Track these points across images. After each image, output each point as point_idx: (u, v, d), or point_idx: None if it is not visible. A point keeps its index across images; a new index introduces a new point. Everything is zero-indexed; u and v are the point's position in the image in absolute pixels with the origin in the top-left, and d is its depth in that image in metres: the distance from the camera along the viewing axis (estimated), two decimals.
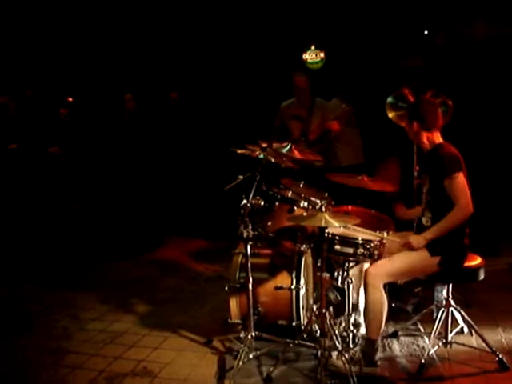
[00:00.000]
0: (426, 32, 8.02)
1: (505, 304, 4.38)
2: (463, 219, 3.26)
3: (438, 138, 3.44)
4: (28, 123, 6.55)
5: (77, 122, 6.89)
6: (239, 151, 3.75)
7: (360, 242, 3.32)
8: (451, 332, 3.63)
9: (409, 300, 4.34)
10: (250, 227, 3.49)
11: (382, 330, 3.40)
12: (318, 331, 3.39)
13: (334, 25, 7.98)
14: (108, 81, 8.31)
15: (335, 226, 3.21)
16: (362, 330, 3.76)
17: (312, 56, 8.52)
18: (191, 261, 6.03)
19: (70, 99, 8.24)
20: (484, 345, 3.48)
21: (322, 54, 8.53)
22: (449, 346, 3.61)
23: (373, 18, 7.74)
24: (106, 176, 6.66)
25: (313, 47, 8.54)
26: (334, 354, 3.43)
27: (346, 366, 3.21)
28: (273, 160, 3.72)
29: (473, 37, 7.04)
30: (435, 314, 3.92)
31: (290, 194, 3.76)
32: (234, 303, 3.78)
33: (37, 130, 6.54)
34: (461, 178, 3.22)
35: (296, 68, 5.40)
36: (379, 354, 3.44)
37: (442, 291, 3.92)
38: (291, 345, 3.48)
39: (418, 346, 3.72)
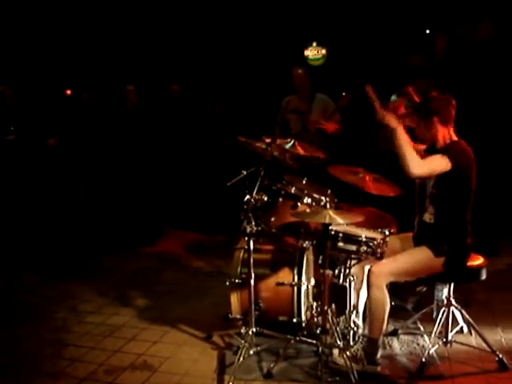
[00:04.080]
0: (427, 31, 8.01)
1: (504, 304, 4.39)
2: (405, 166, 3.12)
3: (453, 135, 3.39)
4: (26, 114, 6.50)
5: (94, 106, 6.90)
6: (244, 140, 3.74)
7: (363, 239, 3.30)
8: (451, 331, 3.63)
9: (409, 298, 4.34)
10: (253, 223, 3.48)
11: (383, 330, 3.39)
12: (319, 328, 3.38)
13: (336, 21, 7.97)
14: (110, 72, 8.27)
15: (339, 223, 3.19)
16: (361, 332, 3.77)
17: (313, 52, 8.52)
18: (191, 255, 6.01)
19: (69, 92, 8.23)
20: (484, 344, 3.49)
21: (324, 51, 8.53)
22: (449, 345, 3.61)
23: (375, 16, 7.73)
24: (104, 167, 6.63)
25: (314, 44, 8.54)
26: (335, 351, 3.42)
27: (348, 363, 3.21)
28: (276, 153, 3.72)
29: (476, 36, 7.04)
30: (435, 313, 3.93)
31: (293, 190, 3.75)
32: (234, 298, 3.77)
33: (35, 121, 6.49)
34: (444, 162, 3.16)
35: (295, 63, 5.38)
36: (380, 352, 3.43)
37: (442, 290, 3.92)
38: (292, 341, 3.48)
39: (418, 344, 3.72)
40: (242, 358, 3.37)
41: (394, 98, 4.55)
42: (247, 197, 3.48)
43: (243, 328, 3.62)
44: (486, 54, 6.71)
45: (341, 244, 3.35)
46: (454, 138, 3.39)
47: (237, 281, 3.76)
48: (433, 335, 3.51)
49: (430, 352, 3.45)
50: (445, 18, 7.25)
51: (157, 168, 6.68)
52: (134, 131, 6.52)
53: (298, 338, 3.47)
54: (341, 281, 3.57)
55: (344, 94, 4.77)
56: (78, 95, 7.44)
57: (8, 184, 5.84)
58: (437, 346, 3.51)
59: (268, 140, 3.82)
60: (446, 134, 3.38)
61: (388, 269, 3.31)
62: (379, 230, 3.59)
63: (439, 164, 3.18)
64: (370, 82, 3.28)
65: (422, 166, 3.15)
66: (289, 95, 5.48)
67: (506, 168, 6.14)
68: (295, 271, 3.73)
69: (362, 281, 3.67)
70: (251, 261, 3.52)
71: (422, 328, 3.94)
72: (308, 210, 3.55)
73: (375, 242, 3.30)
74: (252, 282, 3.53)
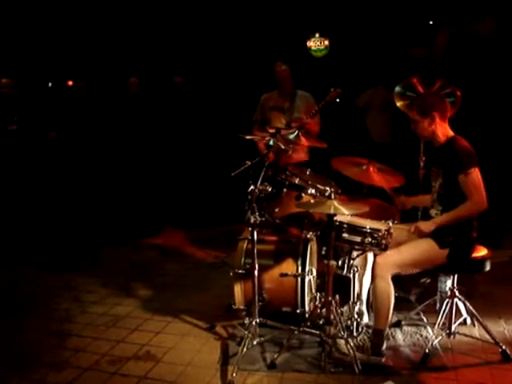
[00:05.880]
0: (431, 22, 7.98)
1: (507, 296, 4.37)
2: (474, 213, 3.24)
3: (449, 131, 3.41)
4: (29, 104, 6.48)
5: (91, 96, 6.88)
6: (248, 137, 3.72)
7: (368, 230, 3.29)
8: (455, 323, 3.63)
9: (412, 290, 4.34)
10: (257, 213, 3.46)
11: (389, 321, 3.39)
12: (323, 319, 3.37)
13: (339, 12, 7.94)
14: (113, 64, 8.25)
15: (344, 214, 3.18)
16: (365, 319, 3.77)
17: (316, 43, 8.51)
18: (193, 246, 6.01)
19: (70, 83, 8.20)
20: (487, 336, 3.48)
21: (327, 42, 8.52)
22: (452, 336, 3.60)
23: (378, 7, 7.70)
24: (106, 158, 6.62)
25: (317, 35, 8.53)
26: (340, 341, 3.42)
27: (351, 353, 3.21)
28: (283, 147, 3.69)
29: (478, 31, 7.00)
30: (438, 305, 3.94)
31: (297, 180, 3.73)
32: (238, 289, 3.77)
33: (37, 112, 6.47)
34: (476, 174, 3.18)
35: (279, 58, 5.21)
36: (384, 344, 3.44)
37: (445, 282, 3.92)
38: (295, 332, 3.47)
39: (422, 335, 3.71)
40: (245, 349, 3.37)
41: (398, 89, 4.55)
42: (251, 187, 3.46)
43: (246, 319, 3.61)
44: (488, 49, 6.67)
45: (345, 235, 3.34)
46: (451, 133, 3.40)
47: (240, 271, 3.75)
48: (436, 327, 3.52)
49: (434, 343, 3.45)
50: (447, 12, 7.22)
51: (159, 159, 6.66)
52: (135, 122, 6.50)
53: (301, 329, 3.46)
54: (344, 272, 3.56)
55: (333, 89, 4.69)
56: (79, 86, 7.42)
57: (10, 174, 5.83)
58: (440, 338, 3.50)
59: (272, 130, 3.80)
60: (444, 129, 3.39)
61: (393, 260, 3.30)
62: (383, 221, 3.57)
63: (474, 178, 3.18)
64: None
65: (478, 197, 3.17)
66: (267, 92, 5.25)
67: (508, 161, 6.11)
68: (299, 262, 3.73)
69: (365, 269, 3.68)
70: (255, 251, 3.50)
71: (425, 319, 3.93)
72: (312, 201, 3.54)
73: (380, 233, 3.29)
74: (255, 272, 3.51)
